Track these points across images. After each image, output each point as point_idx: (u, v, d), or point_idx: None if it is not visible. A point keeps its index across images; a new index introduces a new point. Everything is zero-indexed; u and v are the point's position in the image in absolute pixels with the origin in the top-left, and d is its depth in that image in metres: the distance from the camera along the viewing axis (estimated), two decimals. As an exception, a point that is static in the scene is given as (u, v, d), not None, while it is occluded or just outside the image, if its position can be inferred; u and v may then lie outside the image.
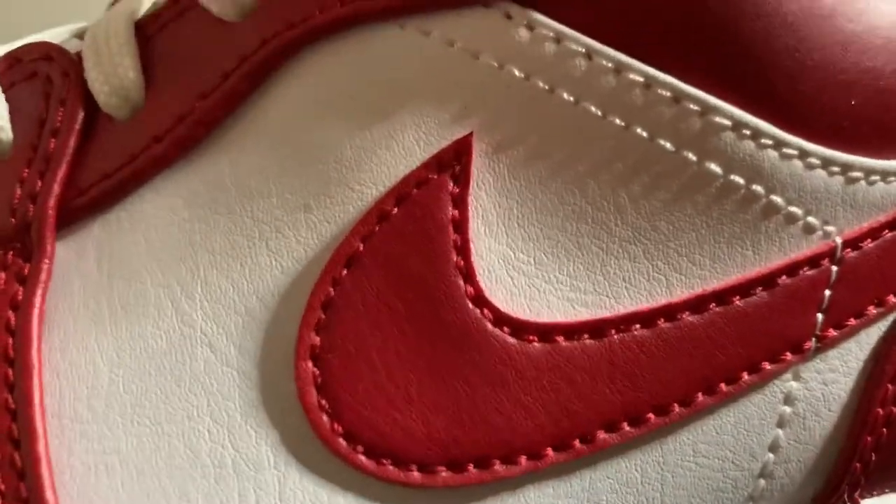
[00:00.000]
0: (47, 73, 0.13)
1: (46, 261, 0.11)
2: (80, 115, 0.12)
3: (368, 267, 0.11)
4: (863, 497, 0.13)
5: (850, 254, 0.12)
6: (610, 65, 0.11)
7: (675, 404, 0.12)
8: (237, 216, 0.11)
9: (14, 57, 0.13)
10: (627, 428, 0.11)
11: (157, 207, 0.12)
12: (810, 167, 0.12)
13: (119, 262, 0.12)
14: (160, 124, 0.12)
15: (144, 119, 0.12)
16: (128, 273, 0.11)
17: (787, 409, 0.12)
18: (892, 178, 0.12)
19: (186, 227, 0.11)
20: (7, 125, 0.12)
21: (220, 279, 0.11)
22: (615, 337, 0.11)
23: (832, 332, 0.12)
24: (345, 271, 0.11)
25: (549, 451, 0.11)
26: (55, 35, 0.14)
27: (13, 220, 0.12)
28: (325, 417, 0.11)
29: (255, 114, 0.12)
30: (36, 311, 0.11)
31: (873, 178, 0.12)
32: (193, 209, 0.12)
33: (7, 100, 0.12)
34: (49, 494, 0.10)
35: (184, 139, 0.12)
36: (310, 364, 0.11)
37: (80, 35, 0.14)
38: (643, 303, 0.12)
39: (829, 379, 0.13)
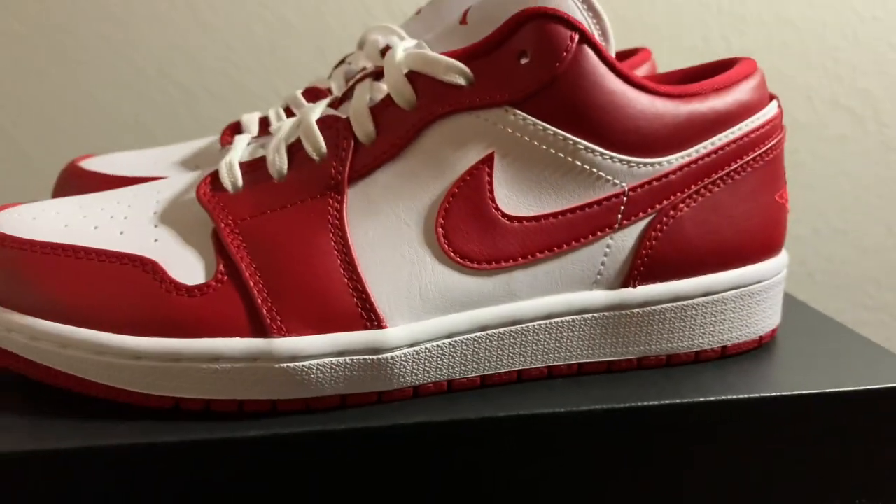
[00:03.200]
0: (337, 126, 0.34)
1: (345, 196, 0.33)
2: (351, 142, 0.34)
3: (459, 197, 0.33)
4: (639, 285, 0.35)
5: (632, 193, 0.34)
6: (549, 130, 0.32)
7: (564, 244, 0.33)
8: (413, 180, 0.33)
9: (322, 120, 0.34)
10: (546, 252, 0.33)
11: (384, 178, 0.33)
12: (614, 160, 0.33)
13: (369, 198, 0.33)
14: (385, 147, 0.33)
15: (377, 145, 0.33)
16: (372, 201, 0.33)
17: (608, 250, 0.34)
18: (648, 165, 0.34)
19: (395, 184, 0.33)
20: (324, 146, 0.34)
21: (409, 201, 0.33)
22: (542, 222, 0.33)
23: (625, 222, 0.34)
24: (451, 199, 0.33)
25: (520, 259, 0.33)
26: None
27: (332, 181, 0.33)
28: (446, 245, 0.32)
29: (418, 144, 0.33)
30: (345, 213, 0.33)
31: (640, 165, 0.34)
32: (397, 178, 0.33)
33: (322, 136, 0.34)
34: (358, 266, 0.32)
35: (393, 153, 0.33)
36: (441, 229, 0.32)
37: (333, 104, 0.36)
38: (551, 210, 0.33)
39: (624, 240, 0.34)
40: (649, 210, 0.34)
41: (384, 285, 0.32)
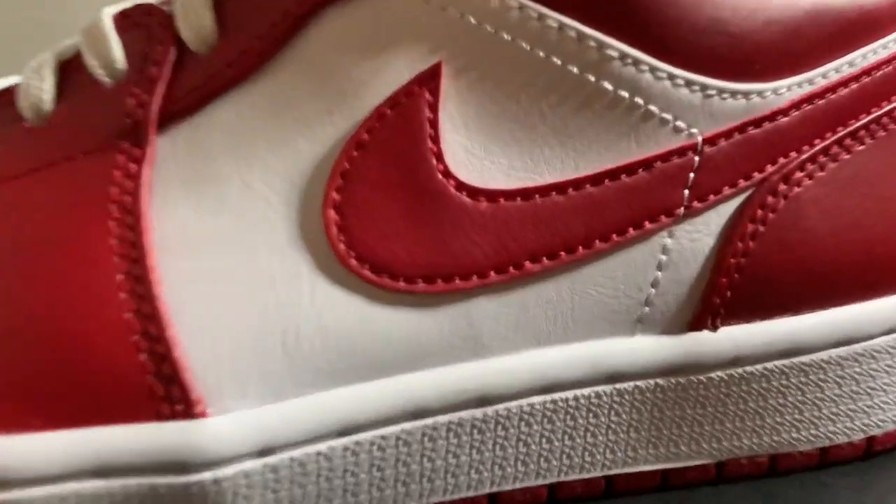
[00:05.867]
0: (148, 24, 0.18)
1: (150, 148, 0.17)
2: (172, 50, 0.18)
3: (372, 150, 0.16)
4: (723, 324, 0.18)
5: (709, 149, 0.18)
6: (534, 14, 0.16)
7: (580, 246, 0.17)
8: (283, 119, 0.17)
9: (123, 14, 0.18)
10: (546, 261, 0.17)
11: (227, 113, 0.17)
12: (676, 85, 0.17)
13: (200, 149, 0.17)
14: (230, 56, 0.17)
15: (218, 53, 0.17)
16: (207, 157, 0.17)
17: (664, 257, 0.18)
18: (740, 95, 0.18)
19: (249, 126, 0.17)
20: (122, 58, 0.18)
21: (272, 158, 0.17)
22: (538, 200, 0.17)
23: (696, 204, 0.18)
24: (356, 152, 0.16)
25: (492, 273, 0.17)
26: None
27: (128, 121, 0.17)
28: (342, 246, 0.16)
29: (295, 50, 0.17)
30: (144, 180, 0.17)
31: (725, 95, 0.18)
32: (254, 114, 0.17)
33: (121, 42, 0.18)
34: (158, 292, 0.16)
35: (247, 67, 0.17)
36: (333, 212, 0.16)
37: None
38: (558, 177, 0.17)
39: (695, 237, 0.18)
40: (741, 182, 0.18)
41: (210, 328, 0.16)
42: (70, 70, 0.18)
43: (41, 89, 0.18)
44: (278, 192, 0.17)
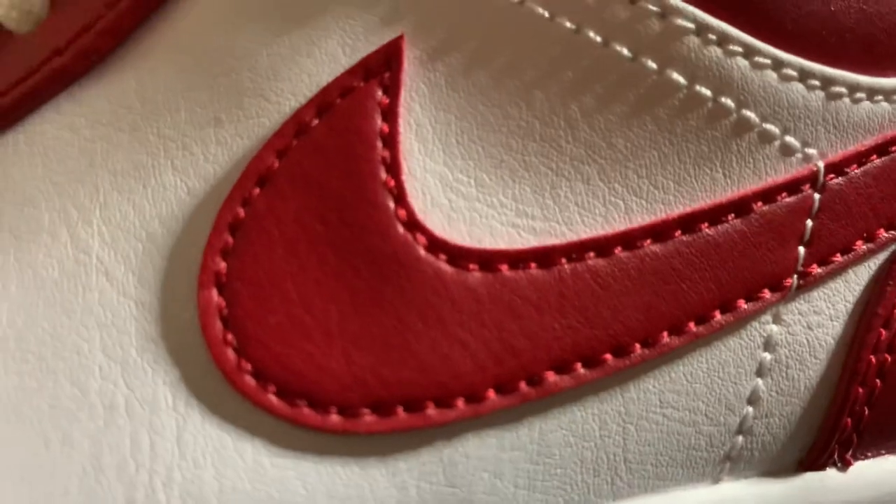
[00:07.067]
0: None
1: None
2: (-22, 31, 0.11)
3: (284, 185, 0.10)
4: (856, 459, 0.12)
5: (834, 180, 0.11)
6: (560, -39, 0.10)
7: (637, 345, 0.10)
8: (142, 133, 0.10)
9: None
10: (581, 370, 0.10)
11: (57, 127, 0.10)
12: (786, 79, 0.11)
13: (12, 185, 0.10)
14: (63, 35, 0.11)
15: (47, 30, 0.11)
16: (21, 198, 0.10)
17: (768, 356, 0.11)
18: (881, 98, 0.11)
19: (87, 147, 0.10)
20: None
21: (120, 202, 0.10)
22: (566, 266, 0.10)
23: (816, 269, 0.11)
24: (257, 190, 0.10)
25: (491, 394, 0.10)
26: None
27: None
28: (230, 352, 0.09)
29: (165, 24, 0.10)
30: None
31: (858, 95, 0.11)
32: (96, 128, 0.10)
33: None
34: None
35: (88, 51, 0.10)
36: (214, 293, 0.09)
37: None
38: (598, 229, 0.10)
39: (813, 322, 0.11)
40: (881, 234, 0.11)
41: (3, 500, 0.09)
42: None
43: None
44: (126, 257, 0.10)
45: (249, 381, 0.09)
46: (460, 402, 0.10)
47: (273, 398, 0.09)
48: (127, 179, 0.10)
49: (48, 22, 0.11)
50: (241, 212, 0.10)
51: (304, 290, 0.10)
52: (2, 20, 0.11)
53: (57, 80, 0.11)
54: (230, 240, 0.10)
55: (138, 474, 0.09)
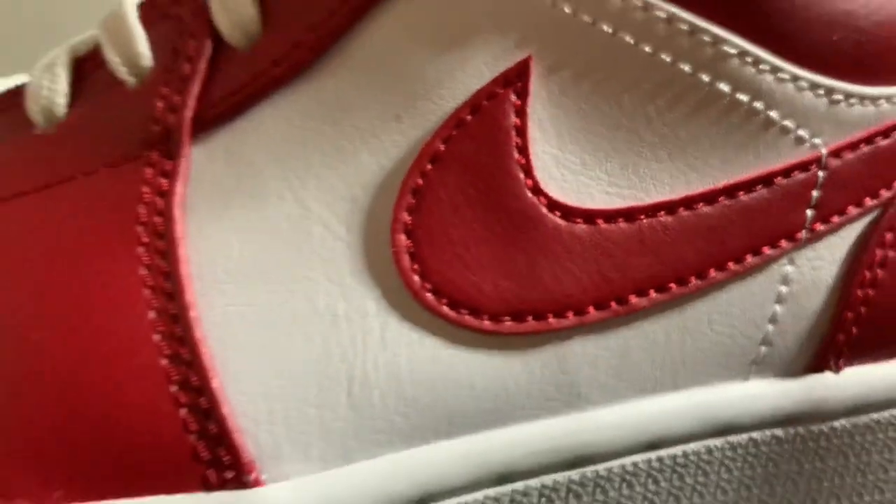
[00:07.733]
0: (179, 14, 0.15)
1: (184, 159, 0.14)
2: (208, 45, 0.15)
3: (448, 162, 0.14)
4: (847, 365, 0.16)
5: (834, 162, 0.15)
6: (639, 3, 0.14)
7: (693, 277, 0.14)
8: (341, 126, 0.14)
9: (150, 3, 0.16)
10: (654, 294, 0.14)
11: (275, 119, 0.14)
12: (800, 88, 0.15)
13: (243, 161, 0.14)
14: (277, 51, 0.15)
15: (263, 48, 0.15)
16: (252, 170, 0.14)
17: (784, 289, 0.15)
18: (868, 101, 0.15)
19: (300, 135, 0.14)
20: (148, 54, 0.15)
21: (329, 174, 0.14)
22: (644, 221, 0.14)
23: (820, 227, 0.15)
24: (429, 166, 0.14)
25: (591, 309, 0.14)
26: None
27: (157, 127, 0.15)
28: (416, 277, 0.13)
29: (355, 43, 0.14)
30: (177, 198, 0.14)
31: (852, 100, 0.15)
32: (305, 120, 0.14)
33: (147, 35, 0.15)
34: (198, 334, 0.13)
35: (297, 63, 0.14)
36: (403, 237, 0.14)
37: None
38: (667, 195, 0.14)
39: (817, 265, 0.15)
40: (868, 201, 0.16)
41: (262, 377, 0.13)
42: (87, 68, 0.16)
43: (54, 90, 0.15)
44: (337, 213, 0.14)
45: (430, 297, 0.13)
46: (570, 314, 0.14)
47: (446, 308, 0.14)
48: (333, 158, 0.14)
49: (263, 40, 0.15)
50: (420, 181, 0.14)
51: (465, 236, 0.14)
52: (227, 39, 0.15)
53: (274, 84, 0.15)
54: (412, 200, 0.14)
55: (356, 359, 0.13)
